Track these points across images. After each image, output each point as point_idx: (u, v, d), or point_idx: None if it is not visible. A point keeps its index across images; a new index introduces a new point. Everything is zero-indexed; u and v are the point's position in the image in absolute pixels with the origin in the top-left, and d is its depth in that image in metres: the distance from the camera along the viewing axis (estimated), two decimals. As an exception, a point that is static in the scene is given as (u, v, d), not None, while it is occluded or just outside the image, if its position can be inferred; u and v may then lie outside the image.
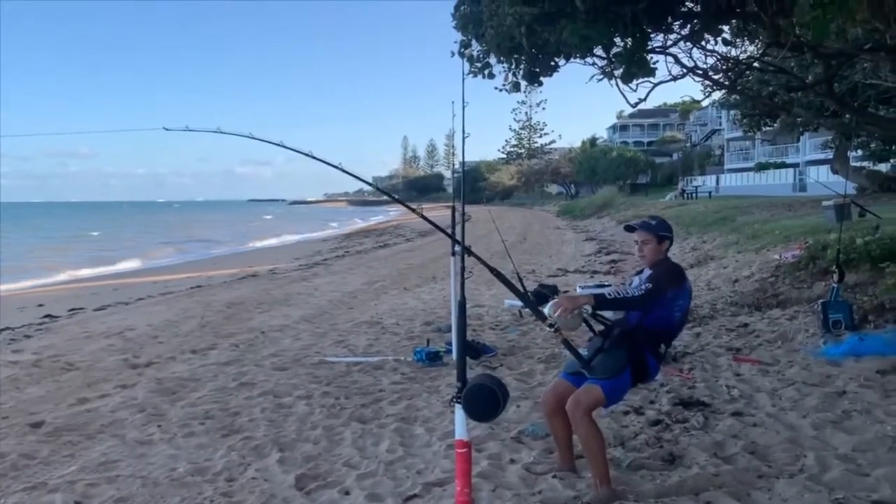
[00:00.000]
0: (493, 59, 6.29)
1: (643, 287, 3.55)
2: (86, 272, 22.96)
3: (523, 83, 6.31)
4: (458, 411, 2.80)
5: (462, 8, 6.46)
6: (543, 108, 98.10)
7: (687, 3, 5.15)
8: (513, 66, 6.15)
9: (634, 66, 4.93)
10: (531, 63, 5.95)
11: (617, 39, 5.00)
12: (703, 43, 6.24)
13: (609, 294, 3.66)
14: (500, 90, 6.23)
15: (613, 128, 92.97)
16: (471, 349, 6.70)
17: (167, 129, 3.56)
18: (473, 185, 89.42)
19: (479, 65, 6.38)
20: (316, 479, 4.03)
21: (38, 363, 7.57)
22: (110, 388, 6.35)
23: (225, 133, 3.48)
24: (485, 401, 2.75)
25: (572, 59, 5.69)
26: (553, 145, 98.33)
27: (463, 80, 3.82)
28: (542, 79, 6.10)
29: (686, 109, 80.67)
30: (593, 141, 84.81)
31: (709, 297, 9.40)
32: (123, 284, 17.22)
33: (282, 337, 8.53)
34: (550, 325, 3.33)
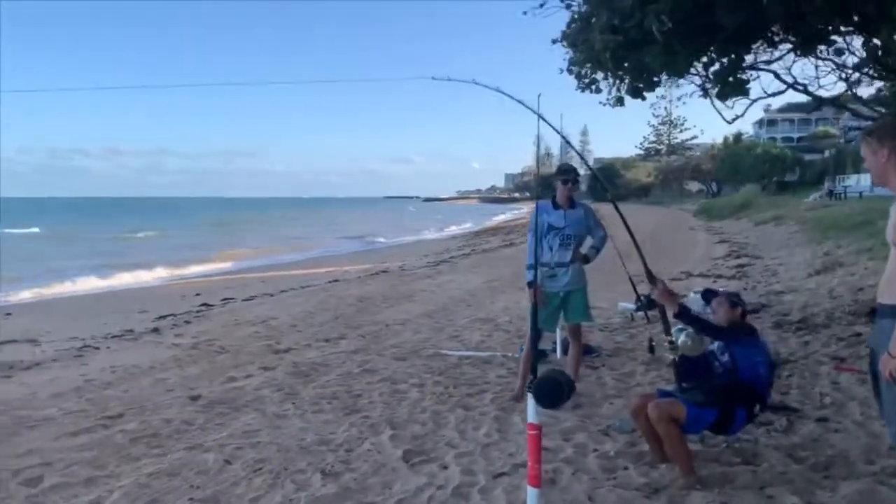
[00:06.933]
0: (599, 75, 6.62)
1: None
2: (239, 264, 25.26)
3: (627, 98, 6.60)
4: (530, 399, 3.28)
5: (572, 26, 6.86)
6: (684, 103, 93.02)
7: (772, 29, 5.22)
8: (617, 82, 6.46)
9: (729, 87, 5.11)
10: (634, 79, 6.24)
11: (706, 59, 5.20)
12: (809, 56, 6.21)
13: (693, 311, 4.02)
14: (604, 104, 6.53)
15: (760, 122, 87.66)
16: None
17: (434, 79, 4.28)
18: (607, 182, 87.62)
19: (586, 80, 6.74)
20: (420, 455, 4.62)
21: (196, 346, 8.74)
22: (254, 370, 7.29)
23: (478, 84, 4.18)
24: (550, 391, 3.22)
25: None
26: (694, 141, 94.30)
27: (541, 118, 4.00)
28: (644, 94, 6.36)
29: (844, 102, 74.76)
30: (738, 136, 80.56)
31: (828, 305, 9.15)
32: (270, 277, 18.80)
33: (403, 330, 9.27)
34: (671, 343, 3.89)
